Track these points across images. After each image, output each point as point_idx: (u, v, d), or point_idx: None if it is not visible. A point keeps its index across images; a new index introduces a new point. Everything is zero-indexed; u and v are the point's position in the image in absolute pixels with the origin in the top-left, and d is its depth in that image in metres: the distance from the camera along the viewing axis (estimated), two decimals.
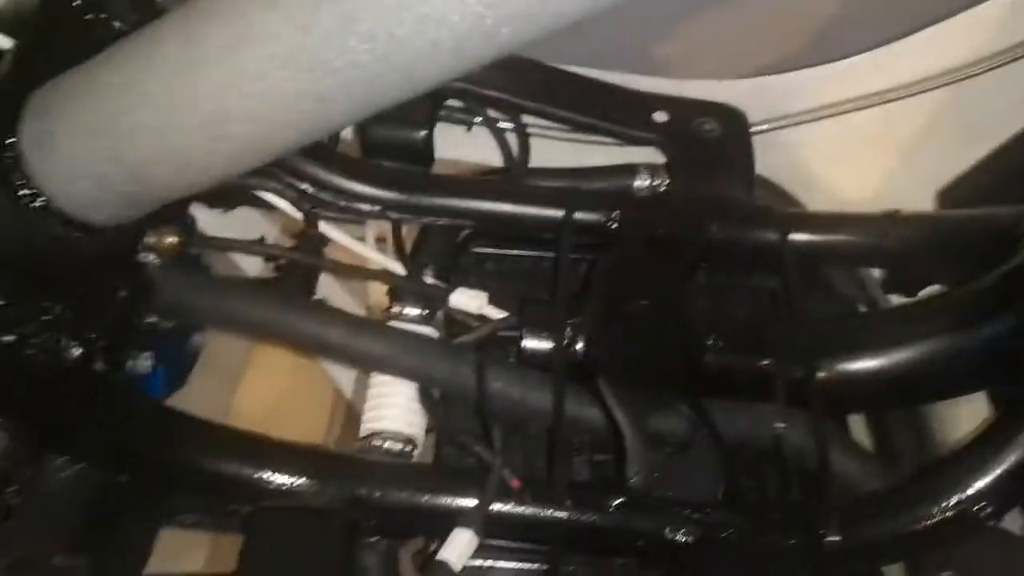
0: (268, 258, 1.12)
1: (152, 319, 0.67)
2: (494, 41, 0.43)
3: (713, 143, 0.87)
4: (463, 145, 0.96)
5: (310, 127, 0.48)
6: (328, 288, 1.09)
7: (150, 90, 0.48)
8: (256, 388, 1.43)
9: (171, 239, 0.68)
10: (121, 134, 0.49)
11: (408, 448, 0.72)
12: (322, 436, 1.35)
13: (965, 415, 0.79)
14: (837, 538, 0.62)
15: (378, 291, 1.14)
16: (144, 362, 0.70)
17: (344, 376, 1.34)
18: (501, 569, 0.66)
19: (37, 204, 0.55)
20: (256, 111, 0.46)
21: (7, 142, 0.54)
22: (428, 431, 0.74)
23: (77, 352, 0.55)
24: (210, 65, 0.46)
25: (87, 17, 0.60)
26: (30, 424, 0.54)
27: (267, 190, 0.79)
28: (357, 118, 0.51)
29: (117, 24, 0.61)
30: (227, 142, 0.48)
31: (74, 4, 0.60)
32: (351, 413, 1.31)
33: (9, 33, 0.61)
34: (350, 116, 0.49)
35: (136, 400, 0.62)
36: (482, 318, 0.75)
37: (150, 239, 0.67)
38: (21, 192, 0.54)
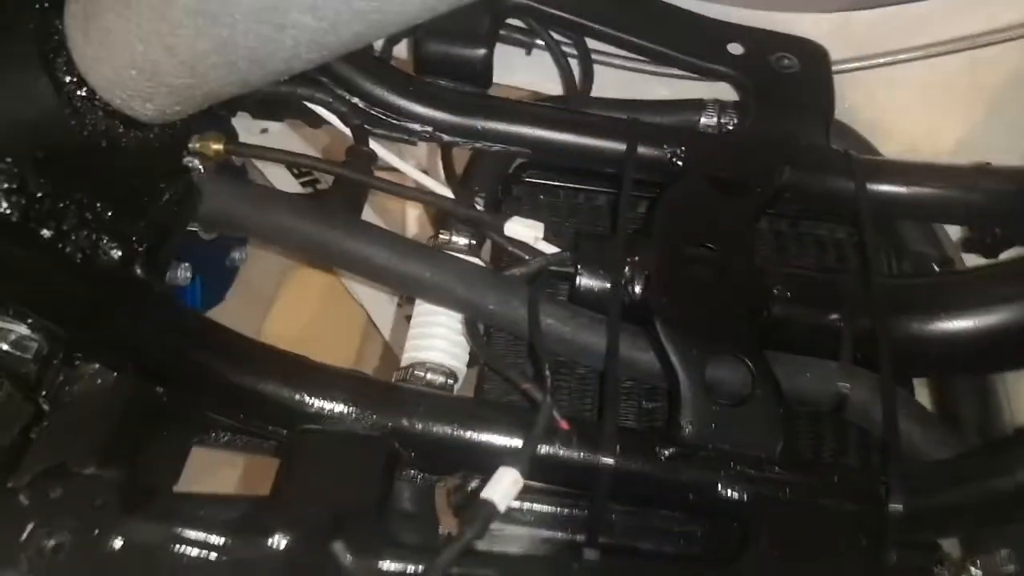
0: (308, 175, 1.09)
1: (194, 228, 0.64)
2: None
3: (791, 79, 0.81)
4: (521, 70, 0.92)
5: (380, 19, 0.43)
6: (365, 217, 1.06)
7: None
8: (287, 314, 1.41)
9: (217, 145, 0.65)
10: (175, 19, 0.45)
11: (450, 382, 0.69)
12: (350, 366, 1.33)
13: None
14: (899, 506, 0.59)
15: (418, 223, 1.11)
16: (183, 273, 0.67)
17: (382, 315, 1.31)
18: (540, 511, 0.64)
19: (82, 93, 0.51)
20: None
21: (54, 23, 0.50)
22: (470, 366, 0.71)
23: (117, 254, 0.52)
24: None
25: None
26: (65, 327, 0.52)
27: (316, 102, 0.75)
28: (431, 12, 0.47)
29: None
30: (289, 33, 0.44)
31: None
32: (388, 350, 1.29)
33: None
34: (427, 9, 0.44)
35: (177, 309, 0.60)
36: (532, 251, 0.71)
37: (195, 144, 0.64)
38: (65, 79, 0.51)
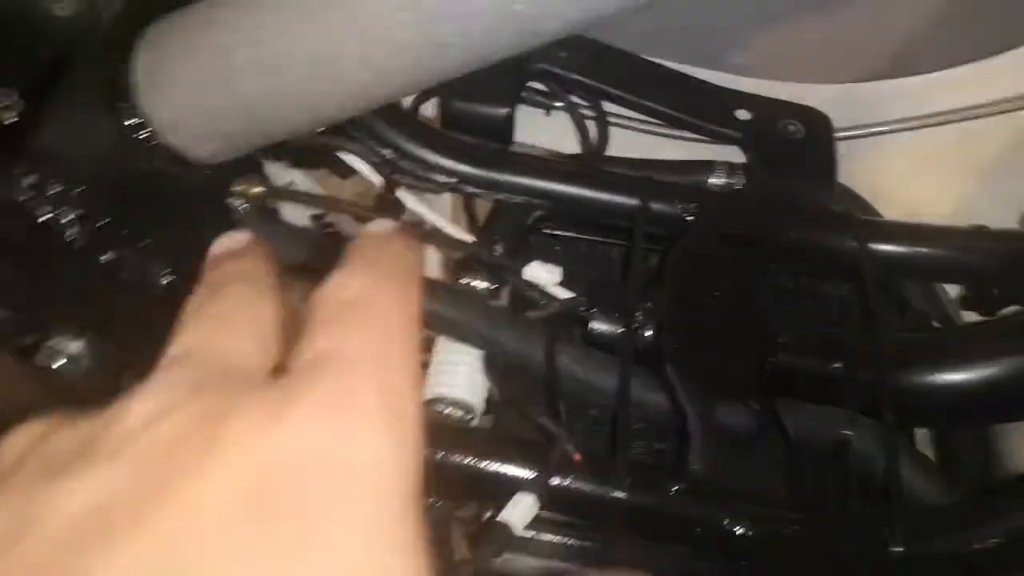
0: (328, 225, 1.14)
1: None
2: None
3: (796, 144, 0.86)
4: (539, 130, 0.97)
5: (421, 75, 0.48)
6: None
7: (265, 26, 0.49)
8: None
9: (257, 188, 0.70)
10: (237, 67, 0.50)
11: (468, 417, 0.72)
12: None
13: None
14: (900, 549, 0.61)
15: (435, 271, 1.15)
16: None
17: None
18: (551, 543, 0.66)
19: (144, 134, 0.56)
20: (370, 55, 0.47)
21: (122, 71, 0.55)
22: (486, 413, 0.74)
23: (165, 280, 0.56)
24: (330, 5, 0.47)
25: None
26: (117, 345, 0.55)
27: (350, 152, 0.80)
28: (468, 70, 0.52)
29: None
30: (337, 84, 0.49)
31: None
32: None
33: None
34: (462, 66, 0.49)
35: None
36: (548, 296, 0.75)
37: (238, 187, 0.69)
38: (130, 121, 0.56)
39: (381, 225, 0.38)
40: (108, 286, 0.54)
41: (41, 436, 0.30)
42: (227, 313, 0.34)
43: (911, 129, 0.89)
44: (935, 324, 0.82)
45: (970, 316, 0.82)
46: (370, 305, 0.32)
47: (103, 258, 0.53)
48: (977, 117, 0.87)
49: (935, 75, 0.89)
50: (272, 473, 0.27)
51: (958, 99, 0.88)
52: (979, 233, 0.77)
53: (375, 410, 0.29)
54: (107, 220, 0.53)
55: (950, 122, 0.88)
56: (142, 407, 0.29)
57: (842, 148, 0.88)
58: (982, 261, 0.76)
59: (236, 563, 0.25)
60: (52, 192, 0.49)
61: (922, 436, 0.79)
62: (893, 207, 0.92)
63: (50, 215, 0.50)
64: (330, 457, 0.27)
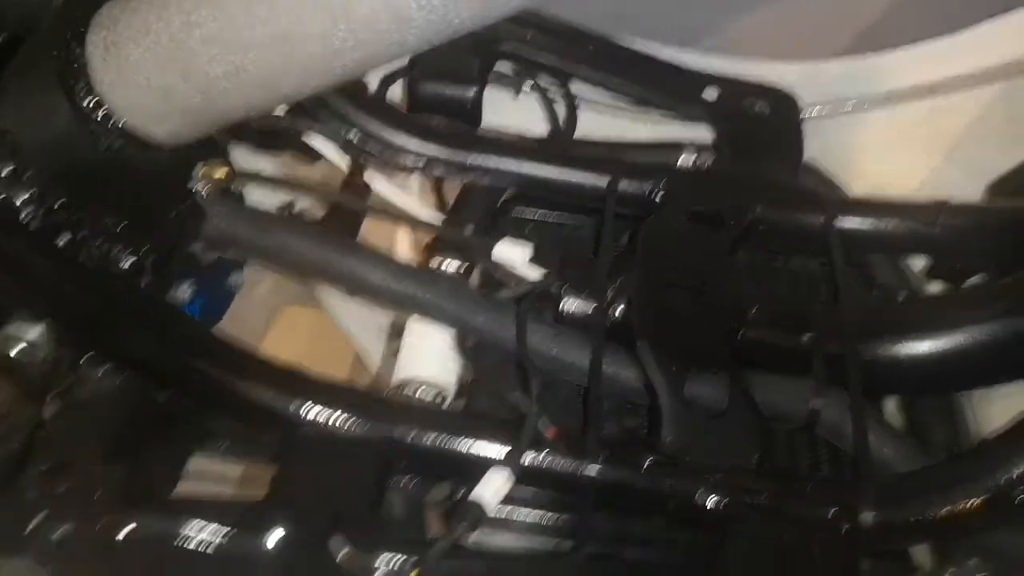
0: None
1: (197, 247, 0.67)
2: None
3: (762, 123, 0.87)
4: (508, 112, 0.96)
5: (382, 49, 0.48)
6: None
7: (222, 4, 0.48)
8: (275, 351, 1.43)
9: (220, 171, 0.69)
10: (192, 47, 0.49)
11: (439, 399, 0.72)
12: None
13: (999, 411, 0.78)
14: (871, 514, 0.61)
15: (406, 252, 1.15)
16: (184, 291, 0.70)
17: (371, 351, 1.34)
18: (526, 519, 0.66)
19: (98, 115, 0.55)
20: (330, 29, 0.46)
21: (76, 51, 0.54)
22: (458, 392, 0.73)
23: (127, 264, 0.55)
24: None
25: None
26: (76, 331, 0.54)
27: (316, 134, 0.79)
28: (430, 44, 0.51)
29: None
30: (297, 60, 0.48)
31: None
32: (375, 384, 1.32)
33: None
34: (424, 41, 0.49)
35: (181, 318, 0.62)
36: (518, 278, 0.75)
37: (200, 170, 0.68)
38: (83, 102, 0.55)
39: None
40: (66, 269, 0.53)
41: None
42: None
43: (878, 106, 0.90)
44: (901, 296, 0.83)
45: (935, 287, 0.83)
46: None
47: (60, 240, 0.52)
48: (943, 93, 0.88)
49: (901, 51, 0.90)
50: None
51: (924, 75, 0.89)
52: (942, 207, 0.77)
53: None
54: (62, 202, 0.52)
55: (917, 98, 0.89)
56: None
57: (810, 126, 0.89)
58: (945, 234, 0.77)
59: None
60: (3, 173, 0.48)
61: (890, 409, 0.79)
62: (861, 183, 0.93)
63: (2, 197, 0.48)
64: None
